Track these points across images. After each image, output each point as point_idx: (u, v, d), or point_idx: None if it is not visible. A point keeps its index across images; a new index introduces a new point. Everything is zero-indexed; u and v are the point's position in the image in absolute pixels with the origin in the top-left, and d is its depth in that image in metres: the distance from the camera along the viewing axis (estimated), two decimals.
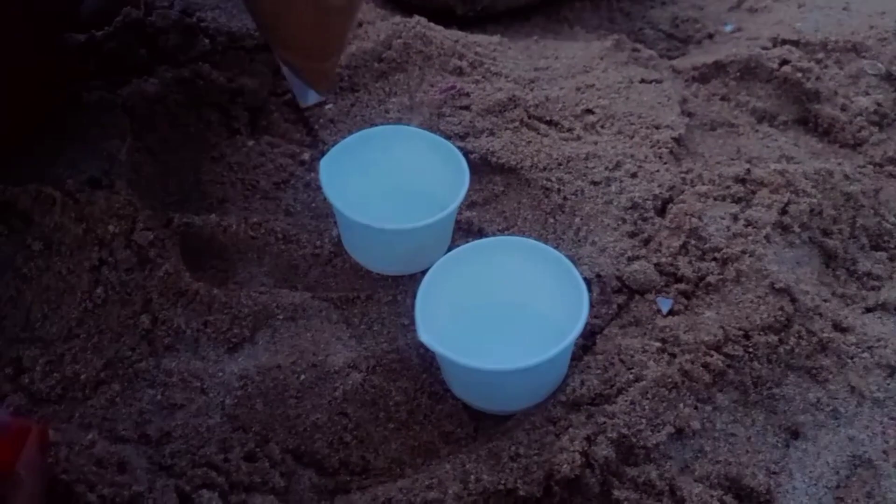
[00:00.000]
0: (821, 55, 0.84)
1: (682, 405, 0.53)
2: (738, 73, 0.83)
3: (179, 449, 0.51)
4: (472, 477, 0.49)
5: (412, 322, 0.57)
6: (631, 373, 0.55)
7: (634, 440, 0.51)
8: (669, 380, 0.54)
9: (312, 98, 0.75)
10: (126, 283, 0.59)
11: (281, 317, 0.59)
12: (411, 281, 0.62)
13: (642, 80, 0.82)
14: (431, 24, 0.83)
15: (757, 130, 0.79)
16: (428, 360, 0.58)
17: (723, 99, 0.83)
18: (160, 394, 0.54)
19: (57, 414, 0.52)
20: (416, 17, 0.82)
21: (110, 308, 0.58)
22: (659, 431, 0.51)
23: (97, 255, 0.60)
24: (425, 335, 0.51)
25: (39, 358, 0.55)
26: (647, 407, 0.52)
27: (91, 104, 0.71)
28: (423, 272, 0.56)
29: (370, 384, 0.56)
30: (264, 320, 0.59)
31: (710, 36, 0.95)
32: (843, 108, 0.79)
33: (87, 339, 0.57)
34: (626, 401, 0.53)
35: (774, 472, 0.51)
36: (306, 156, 0.72)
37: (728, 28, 0.95)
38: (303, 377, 0.56)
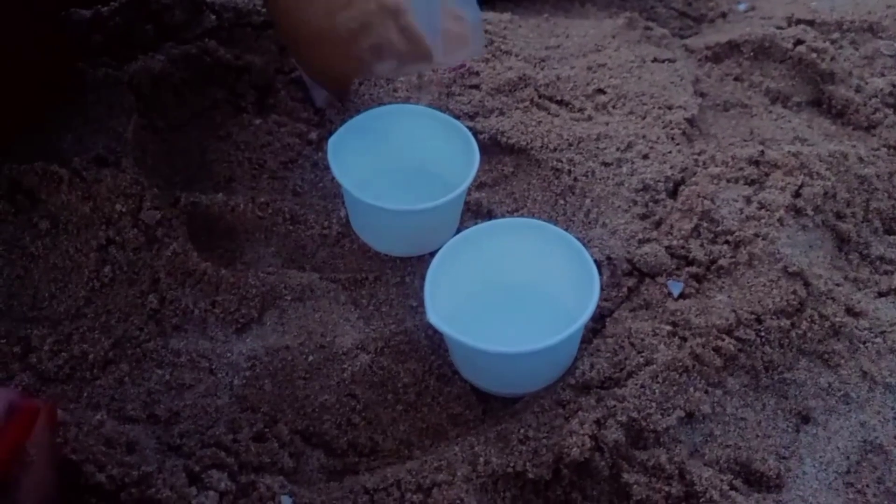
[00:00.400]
0: (836, 35, 0.83)
1: (692, 389, 0.53)
2: (751, 53, 0.82)
3: (188, 429, 0.51)
4: (481, 459, 0.49)
5: (421, 304, 0.57)
6: (641, 356, 0.54)
7: (644, 424, 0.51)
8: (680, 364, 0.53)
9: (327, 101, 0.73)
10: (133, 262, 0.59)
11: (289, 297, 0.59)
12: (420, 262, 0.62)
13: (654, 60, 0.81)
14: None
15: (770, 111, 0.78)
16: (436, 342, 0.57)
17: (736, 79, 0.81)
18: (168, 374, 0.54)
19: (65, 393, 0.52)
20: None
21: (118, 287, 0.58)
22: (669, 415, 0.51)
23: (104, 234, 0.60)
24: (434, 317, 0.50)
25: (47, 337, 0.55)
26: (657, 391, 0.52)
27: (97, 81, 0.70)
28: (432, 253, 0.56)
29: (378, 366, 0.56)
30: (272, 301, 0.59)
31: (724, 15, 0.94)
32: (858, 90, 0.78)
33: (94, 319, 0.57)
34: (636, 384, 0.52)
35: (784, 457, 0.51)
36: (314, 135, 0.71)
37: (742, 7, 0.94)
38: (311, 358, 0.55)
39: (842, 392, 0.54)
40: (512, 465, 0.49)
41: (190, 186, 0.66)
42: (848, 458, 0.51)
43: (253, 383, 0.54)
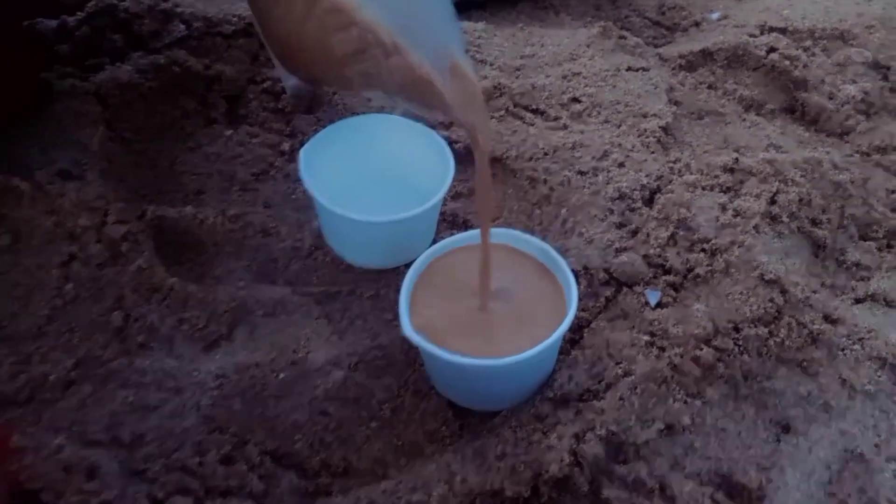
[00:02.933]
0: (808, 43, 0.83)
1: (671, 400, 0.52)
2: (725, 61, 0.82)
3: (153, 452, 0.49)
4: (458, 478, 0.48)
5: (396, 317, 0.56)
6: (619, 367, 0.54)
7: (624, 437, 0.50)
8: (659, 374, 0.52)
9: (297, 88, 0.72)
10: (98, 278, 0.57)
11: (260, 313, 0.58)
12: (395, 274, 0.61)
13: (629, 68, 0.81)
14: None
15: (744, 119, 0.78)
16: (412, 357, 0.56)
17: (710, 87, 0.82)
18: (133, 395, 0.52)
19: (24, 417, 0.50)
20: None
21: (81, 305, 0.56)
22: (649, 428, 0.50)
23: (67, 249, 0.58)
24: (409, 330, 0.49)
25: (6, 357, 0.52)
26: (636, 402, 0.51)
27: (62, 92, 0.68)
28: (408, 265, 0.55)
29: (352, 382, 0.54)
30: (242, 316, 0.57)
31: (697, 24, 0.94)
32: (831, 97, 0.79)
33: (56, 338, 0.55)
34: (614, 396, 0.51)
35: (766, 468, 0.51)
36: (286, 146, 0.70)
37: (715, 16, 0.94)
38: (282, 375, 0.54)
39: (821, 401, 0.54)
40: (489, 483, 0.47)
41: (158, 199, 0.65)
42: (829, 467, 0.51)
43: (221, 403, 0.52)
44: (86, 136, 0.65)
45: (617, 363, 0.54)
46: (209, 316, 0.56)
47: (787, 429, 0.53)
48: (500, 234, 0.57)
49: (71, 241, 0.58)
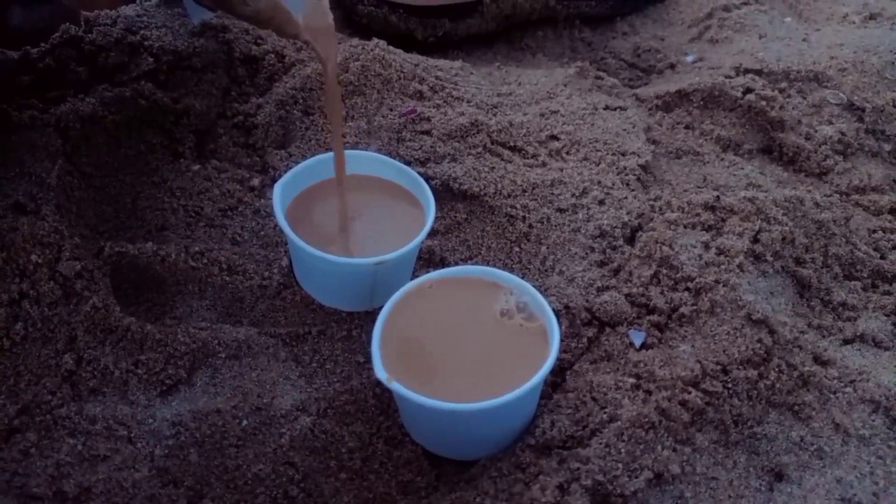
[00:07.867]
0: (783, 84, 0.84)
1: (660, 447, 0.49)
2: (701, 102, 0.82)
3: None
4: None
5: (368, 359, 0.53)
6: (605, 412, 0.51)
7: (611, 487, 0.47)
8: (646, 419, 0.50)
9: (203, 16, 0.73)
10: (49, 318, 0.54)
11: (223, 355, 0.54)
12: (367, 314, 0.58)
13: (607, 107, 0.80)
14: (390, 48, 0.80)
15: (722, 159, 0.78)
16: (385, 402, 0.53)
17: (687, 127, 0.81)
18: (81, 444, 0.48)
19: None
20: (375, 40, 0.79)
21: (30, 346, 0.53)
22: (637, 477, 0.47)
23: (17, 287, 0.54)
24: (382, 373, 0.46)
25: None
26: (623, 450, 0.48)
27: (21, 124, 0.65)
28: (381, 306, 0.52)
29: (321, 429, 0.51)
30: (203, 359, 0.54)
31: (672, 66, 0.94)
32: (808, 137, 0.79)
33: (1, 382, 0.51)
34: (600, 443, 0.49)
35: None
36: (256, 181, 0.68)
37: (690, 58, 0.95)
38: (245, 422, 0.50)
39: (815, 446, 0.51)
40: None
41: (117, 235, 0.61)
42: None
43: (177, 453, 0.48)
44: (43, 170, 0.62)
45: (602, 408, 0.51)
46: (167, 359, 0.53)
47: (780, 476, 0.50)
48: (479, 271, 0.55)
49: (21, 279, 0.55)
